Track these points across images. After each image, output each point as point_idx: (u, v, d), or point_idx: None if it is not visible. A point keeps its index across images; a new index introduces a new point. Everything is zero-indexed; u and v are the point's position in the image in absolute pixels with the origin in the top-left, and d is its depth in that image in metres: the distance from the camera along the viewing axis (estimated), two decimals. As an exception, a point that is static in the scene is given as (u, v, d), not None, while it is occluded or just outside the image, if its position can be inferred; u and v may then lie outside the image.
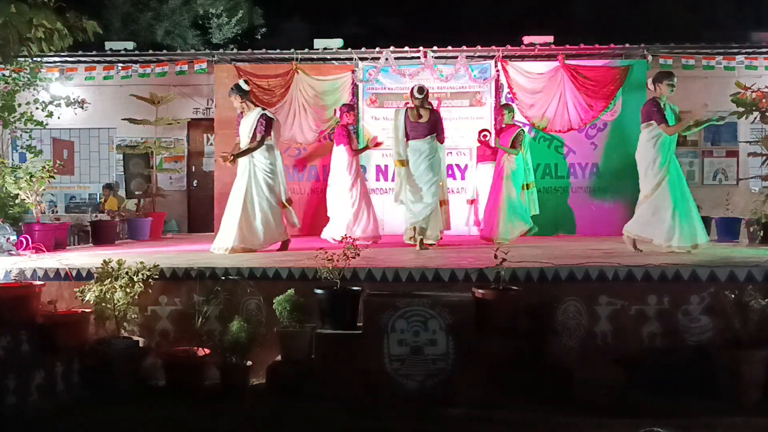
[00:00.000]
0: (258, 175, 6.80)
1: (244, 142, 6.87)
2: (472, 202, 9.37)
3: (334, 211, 8.14)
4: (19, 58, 7.06)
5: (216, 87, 10.07)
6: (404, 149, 7.11)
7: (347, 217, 7.91)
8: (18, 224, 6.76)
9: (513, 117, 8.40)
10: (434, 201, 7.13)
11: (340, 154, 8.15)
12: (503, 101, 9.65)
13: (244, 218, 6.68)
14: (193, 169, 11.55)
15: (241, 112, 7.09)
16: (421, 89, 7.08)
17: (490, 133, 9.23)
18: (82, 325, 4.96)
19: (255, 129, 6.78)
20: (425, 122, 7.09)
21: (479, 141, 9.18)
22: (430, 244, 7.21)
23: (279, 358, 4.79)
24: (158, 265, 5.09)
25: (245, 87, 6.99)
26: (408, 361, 4.53)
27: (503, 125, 8.41)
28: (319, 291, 4.82)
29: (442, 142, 7.29)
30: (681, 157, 10.82)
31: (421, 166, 7.09)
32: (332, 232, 7.82)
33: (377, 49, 9.76)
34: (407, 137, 7.12)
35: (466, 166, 9.81)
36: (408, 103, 7.44)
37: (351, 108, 8.43)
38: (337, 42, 10.16)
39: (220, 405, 4.50)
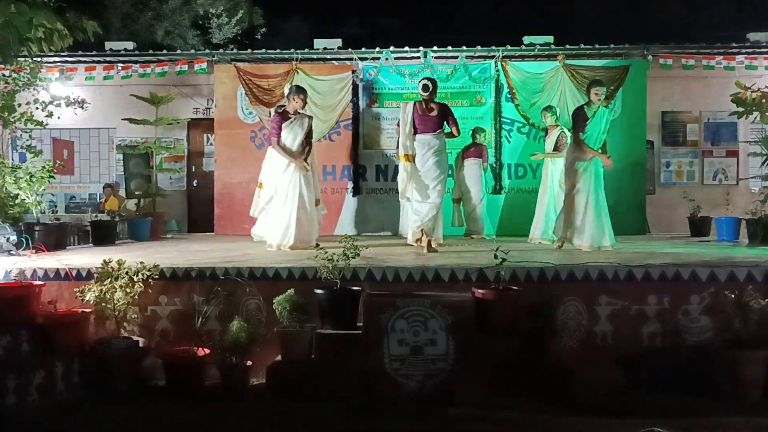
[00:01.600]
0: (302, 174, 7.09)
1: (298, 142, 7.03)
2: (458, 201, 9.27)
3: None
4: (19, 58, 7.04)
5: (216, 87, 10.07)
6: (411, 143, 6.86)
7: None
8: (18, 224, 6.75)
9: (556, 119, 8.31)
10: (440, 200, 6.92)
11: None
12: (503, 101, 9.66)
13: (302, 215, 7.00)
14: (193, 169, 11.56)
15: (286, 111, 7.20)
16: (425, 87, 6.85)
17: (483, 131, 9.14)
18: (82, 325, 4.96)
19: (310, 131, 7.11)
20: (435, 115, 6.85)
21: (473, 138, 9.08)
22: (438, 245, 7.02)
23: (279, 358, 4.79)
24: (158, 265, 5.09)
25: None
26: (408, 361, 4.53)
27: (546, 127, 8.40)
28: (319, 291, 4.82)
29: (458, 134, 7.07)
30: (680, 157, 10.97)
31: (429, 161, 6.83)
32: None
33: (377, 49, 9.77)
34: (416, 131, 6.87)
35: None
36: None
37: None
38: (337, 42, 10.16)
39: (220, 405, 4.50)
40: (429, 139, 6.86)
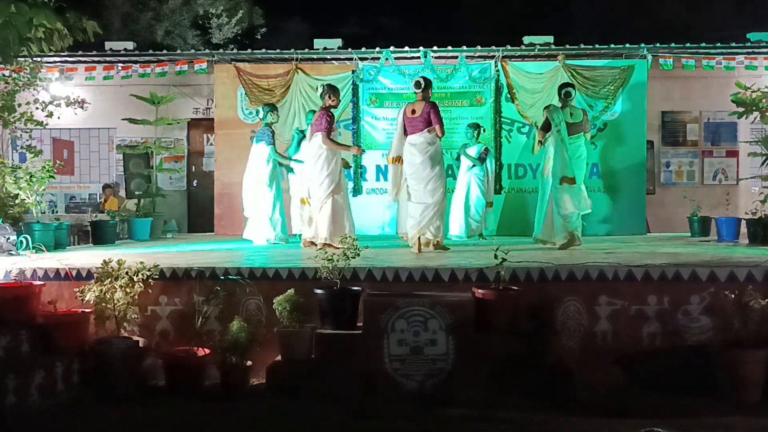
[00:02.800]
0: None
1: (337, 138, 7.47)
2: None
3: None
4: (19, 58, 7.05)
5: (216, 87, 10.07)
6: (400, 146, 6.98)
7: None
8: (18, 224, 6.75)
9: None
10: (436, 199, 6.80)
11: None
12: (503, 101, 9.66)
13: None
14: (193, 169, 11.55)
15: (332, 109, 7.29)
16: (417, 84, 6.91)
17: (473, 127, 9.05)
18: (82, 325, 4.96)
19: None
20: (418, 116, 6.85)
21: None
22: (444, 247, 6.96)
23: (279, 358, 4.79)
24: (158, 265, 5.09)
25: None
26: (408, 361, 4.53)
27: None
28: (319, 291, 4.82)
29: (441, 134, 6.87)
30: (680, 157, 10.97)
31: (416, 161, 6.81)
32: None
33: (377, 49, 9.76)
34: (407, 133, 6.94)
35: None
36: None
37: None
38: (337, 42, 10.16)
39: (220, 405, 4.49)
40: (415, 138, 6.89)
